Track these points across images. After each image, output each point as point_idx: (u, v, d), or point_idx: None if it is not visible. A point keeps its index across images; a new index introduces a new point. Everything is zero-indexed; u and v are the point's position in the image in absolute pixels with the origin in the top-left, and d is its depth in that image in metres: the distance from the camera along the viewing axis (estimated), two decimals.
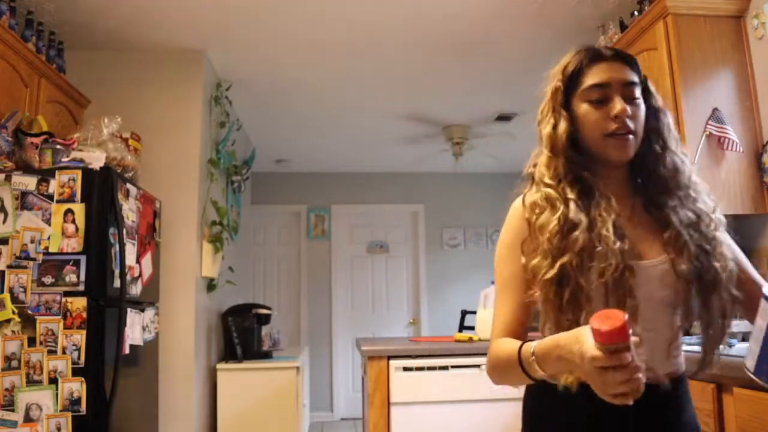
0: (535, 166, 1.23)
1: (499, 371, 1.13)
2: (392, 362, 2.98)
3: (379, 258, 6.95)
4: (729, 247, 1.19)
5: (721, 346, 1.15)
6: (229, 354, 4.26)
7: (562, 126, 1.18)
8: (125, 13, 3.37)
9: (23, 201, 2.55)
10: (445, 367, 2.98)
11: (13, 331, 2.47)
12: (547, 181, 1.18)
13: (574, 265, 1.07)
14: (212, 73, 4.04)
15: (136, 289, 2.95)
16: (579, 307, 1.05)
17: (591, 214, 1.12)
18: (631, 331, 0.84)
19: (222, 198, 4.32)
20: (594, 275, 1.07)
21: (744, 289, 1.16)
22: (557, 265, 1.08)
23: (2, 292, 2.49)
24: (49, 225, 2.54)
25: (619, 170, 1.22)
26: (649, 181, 1.23)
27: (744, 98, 2.67)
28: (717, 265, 1.13)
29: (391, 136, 5.66)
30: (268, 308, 4.46)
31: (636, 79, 1.19)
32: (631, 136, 1.15)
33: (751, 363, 1.00)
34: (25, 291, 2.50)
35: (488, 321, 3.28)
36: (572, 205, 1.13)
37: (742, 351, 1.20)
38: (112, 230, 2.66)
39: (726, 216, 1.24)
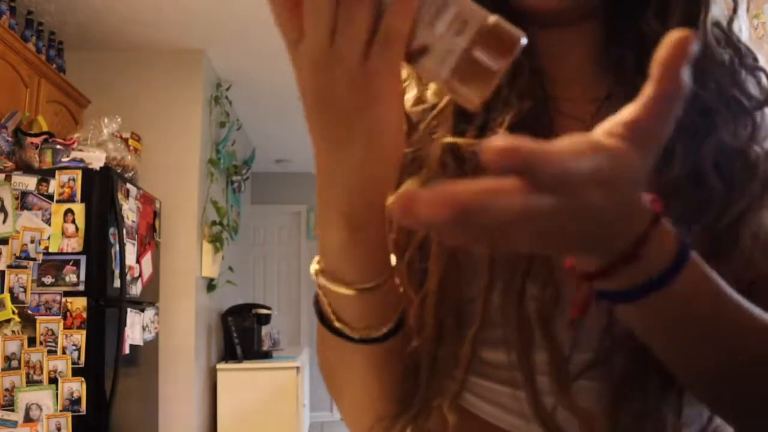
0: None
1: (331, 374, 0.56)
2: None
3: None
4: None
5: None
6: (229, 354, 4.26)
7: None
8: (125, 13, 3.37)
9: (23, 201, 2.55)
10: None
11: (13, 331, 2.47)
12: None
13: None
14: (212, 73, 4.04)
15: (136, 289, 2.95)
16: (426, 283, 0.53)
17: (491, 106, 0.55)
18: None
19: (222, 198, 4.32)
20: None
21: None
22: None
23: (2, 292, 2.49)
24: (49, 225, 2.54)
25: (569, 34, 0.60)
26: (630, 54, 0.58)
27: None
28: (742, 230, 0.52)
29: None
30: (268, 308, 4.46)
31: None
32: None
33: None
34: (25, 291, 2.50)
35: None
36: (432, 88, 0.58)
37: None
38: (112, 230, 2.66)
39: None
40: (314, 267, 0.47)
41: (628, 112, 0.35)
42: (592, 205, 0.32)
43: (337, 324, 0.47)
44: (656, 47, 0.50)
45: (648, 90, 0.35)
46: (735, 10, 0.58)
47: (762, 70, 0.58)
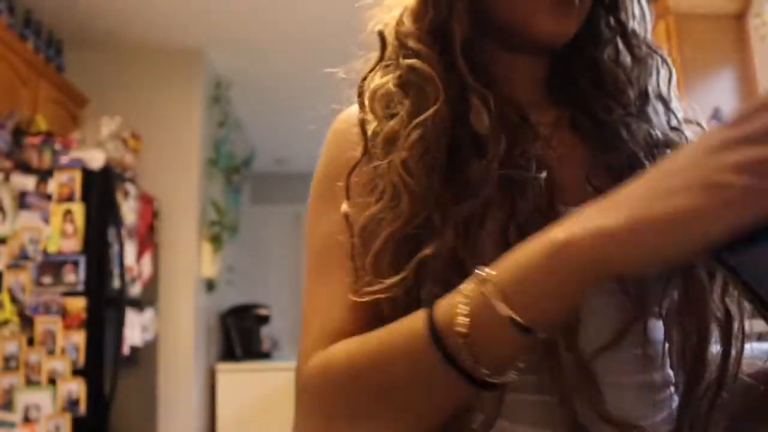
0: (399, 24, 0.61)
1: (375, 386, 0.49)
2: None
3: None
4: None
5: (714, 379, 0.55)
6: (228, 354, 4.25)
7: None
8: (125, 12, 3.36)
9: (22, 201, 2.54)
10: None
11: (12, 332, 2.45)
12: (413, 44, 0.59)
13: (455, 215, 0.51)
14: (212, 73, 4.03)
15: (135, 290, 2.94)
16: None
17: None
18: None
19: (222, 198, 4.31)
20: (492, 231, 0.52)
21: None
22: (415, 212, 0.52)
23: (1, 292, 2.48)
24: (48, 225, 2.53)
25: (535, 60, 0.64)
26: (586, 81, 0.64)
27: (746, 98, 2.66)
28: None
29: None
30: (268, 308, 4.45)
31: None
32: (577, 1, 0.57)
33: None
34: (24, 291, 2.49)
35: None
36: (475, 98, 0.56)
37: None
38: (111, 230, 2.65)
39: None
40: (496, 293, 0.41)
41: None
42: None
43: (473, 361, 0.42)
44: (610, 80, 0.58)
45: None
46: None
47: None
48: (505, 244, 0.49)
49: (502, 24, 0.59)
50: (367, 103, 0.59)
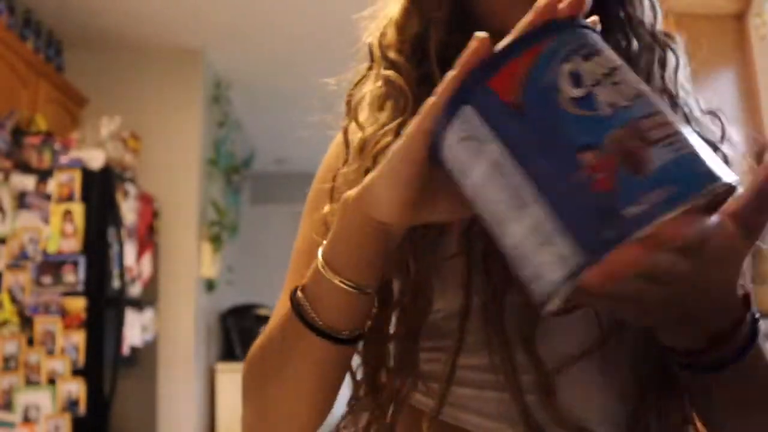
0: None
1: (267, 362, 0.55)
2: None
3: None
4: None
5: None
6: (228, 354, 4.25)
7: None
8: (125, 12, 3.36)
9: (22, 201, 2.54)
10: None
11: (12, 332, 2.46)
12: (392, 55, 0.59)
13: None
14: (212, 73, 4.03)
15: (135, 290, 2.94)
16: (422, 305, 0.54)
17: None
18: None
19: (222, 198, 4.31)
20: (452, 241, 0.53)
21: None
22: None
23: (1, 292, 2.48)
24: (48, 225, 2.53)
25: None
26: None
27: (746, 98, 2.66)
28: None
29: None
30: (268, 308, 4.45)
31: None
32: None
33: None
34: (23, 291, 2.49)
35: None
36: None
37: None
38: (111, 230, 2.65)
39: None
40: (321, 261, 0.49)
41: (734, 203, 0.38)
42: (710, 276, 0.36)
43: (316, 318, 0.49)
44: None
45: (751, 184, 0.39)
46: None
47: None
48: (467, 244, 0.52)
49: (484, 24, 0.55)
50: (351, 112, 0.63)
